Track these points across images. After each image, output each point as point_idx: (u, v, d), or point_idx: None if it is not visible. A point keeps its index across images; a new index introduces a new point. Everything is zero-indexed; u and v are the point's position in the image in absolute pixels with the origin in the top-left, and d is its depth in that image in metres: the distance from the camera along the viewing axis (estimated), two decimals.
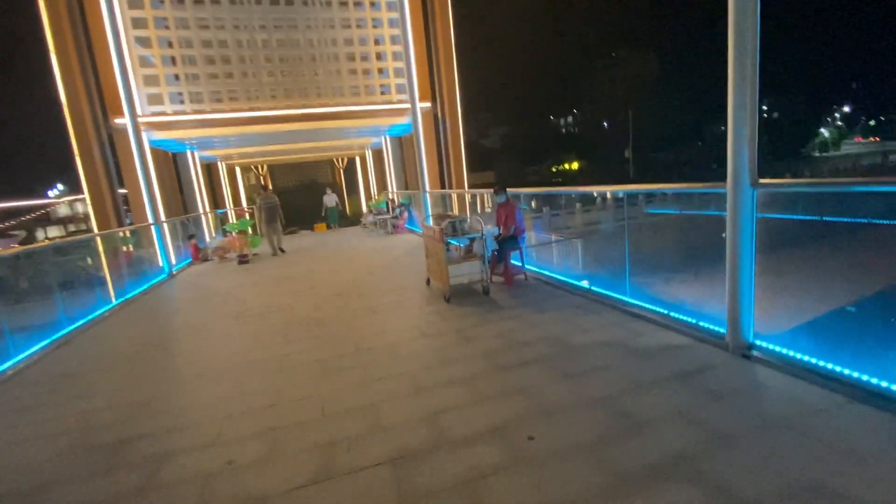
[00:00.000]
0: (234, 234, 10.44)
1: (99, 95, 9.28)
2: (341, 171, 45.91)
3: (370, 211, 15.45)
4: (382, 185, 21.14)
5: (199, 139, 12.31)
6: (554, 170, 71.47)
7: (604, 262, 5.76)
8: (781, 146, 58.86)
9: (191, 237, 11.16)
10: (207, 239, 12.97)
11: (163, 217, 10.51)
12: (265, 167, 41.71)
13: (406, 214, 12.63)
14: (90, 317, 5.97)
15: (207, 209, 15.15)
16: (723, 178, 2.88)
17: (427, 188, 10.87)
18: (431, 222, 5.51)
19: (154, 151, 13.09)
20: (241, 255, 9.86)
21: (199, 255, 10.89)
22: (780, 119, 64.67)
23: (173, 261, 10.53)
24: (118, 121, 9.06)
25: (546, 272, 5.82)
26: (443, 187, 11.89)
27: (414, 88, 10.00)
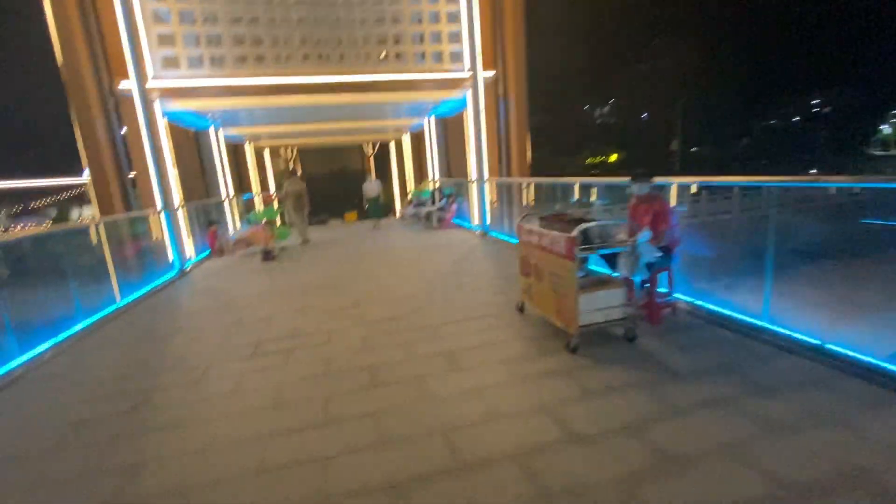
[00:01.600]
0: (259, 224, 8.87)
1: (104, 56, 7.78)
2: (371, 157, 44.57)
3: (409, 201, 13.71)
4: (420, 173, 19.40)
5: (222, 112, 10.77)
6: (589, 162, 68.29)
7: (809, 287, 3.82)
8: (841, 142, 54.14)
9: (210, 224, 9.68)
10: (231, 229, 11.49)
11: (176, 202, 9.04)
12: (294, 151, 40.67)
13: (455, 206, 10.82)
14: (52, 342, 4.42)
15: (231, 194, 13.72)
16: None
17: (486, 176, 9.02)
18: (536, 224, 3.70)
19: (173, 128, 11.64)
20: (265, 250, 8.29)
21: (217, 246, 9.41)
22: (834, 113, 59.39)
23: (190, 254, 9.07)
24: (124, 84, 7.55)
25: (705, 302, 3.92)
26: (501, 175, 10.04)
27: (476, 50, 8.12)
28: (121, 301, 5.77)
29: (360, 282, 6.08)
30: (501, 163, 10.04)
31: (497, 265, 6.35)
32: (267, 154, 23.12)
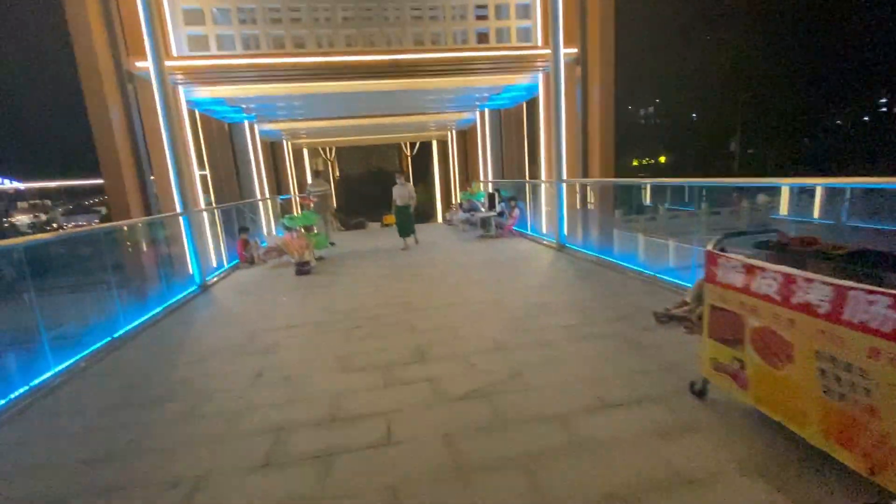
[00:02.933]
0: (294, 230, 7.59)
1: (122, 33, 6.69)
2: (409, 157, 43.53)
3: (459, 205, 12.20)
4: (466, 175, 17.89)
5: (256, 101, 9.62)
6: (636, 164, 64.76)
7: None
8: None
9: (241, 230, 8.50)
10: (264, 233, 10.31)
11: (202, 203, 7.88)
12: (333, 151, 40.13)
13: (517, 211, 9.21)
14: (29, 385, 3.18)
15: (267, 194, 12.66)
16: None
17: (564, 175, 7.37)
18: (760, 258, 2.08)
19: (204, 121, 10.66)
20: (300, 262, 6.97)
21: (247, 255, 8.21)
22: None
23: (219, 262, 7.90)
24: (139, 64, 6.43)
25: None
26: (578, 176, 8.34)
27: (558, 21, 6.51)
28: (119, 330, 4.52)
29: (416, 313, 4.58)
30: (577, 161, 8.35)
31: (606, 297, 4.70)
32: (306, 154, 22.27)
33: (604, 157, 7.98)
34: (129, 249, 6.39)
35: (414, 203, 8.75)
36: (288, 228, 8.09)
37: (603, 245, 7.78)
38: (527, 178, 12.35)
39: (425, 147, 28.49)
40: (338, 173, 42.89)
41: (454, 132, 17.86)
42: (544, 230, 8.81)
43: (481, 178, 13.22)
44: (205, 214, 7.81)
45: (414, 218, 8.83)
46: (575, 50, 7.66)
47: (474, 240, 9.34)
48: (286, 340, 4.05)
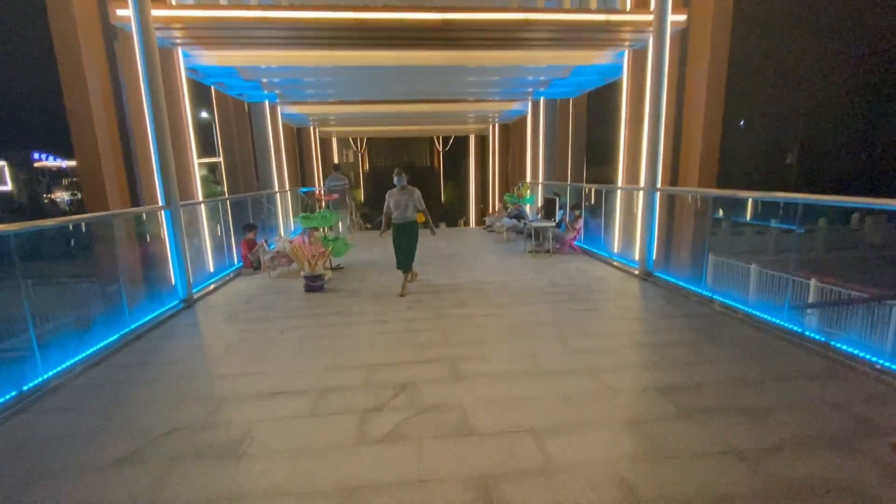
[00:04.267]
0: (308, 233, 6.09)
1: None
2: (440, 153, 41.96)
3: (504, 208, 10.51)
4: (506, 174, 16.17)
5: (277, 75, 8.19)
6: None
7: None
8: None
9: (247, 228, 7.09)
10: (277, 234, 8.91)
11: (199, 194, 6.49)
12: (364, 143, 38.98)
13: (582, 223, 7.47)
14: None
15: (287, 186, 11.29)
16: None
17: (658, 182, 5.61)
18: None
19: (221, 98, 9.32)
20: (311, 275, 5.47)
21: (251, 257, 6.79)
22: None
23: (221, 265, 6.52)
24: (120, 13, 5.04)
25: None
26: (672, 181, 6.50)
27: None
28: (37, 377, 3.09)
29: (469, 388, 2.98)
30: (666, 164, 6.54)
31: (774, 388, 2.99)
32: (335, 142, 20.95)
33: (706, 160, 6.15)
34: (85, 255, 5.02)
35: (422, 218, 5.56)
36: (303, 229, 6.62)
37: (695, 274, 5.99)
38: (583, 182, 10.56)
39: (460, 142, 26.81)
40: (367, 166, 41.80)
41: (496, 125, 16.14)
42: (615, 249, 7.05)
43: (528, 178, 11.48)
44: (202, 209, 6.41)
45: (413, 239, 5.41)
46: (683, 17, 5.85)
47: (524, 254, 7.65)
48: (265, 429, 2.51)
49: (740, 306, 4.25)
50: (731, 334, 3.78)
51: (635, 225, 6.53)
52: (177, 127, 6.05)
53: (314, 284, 5.55)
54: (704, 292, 4.75)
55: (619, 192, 7.05)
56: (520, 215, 9.59)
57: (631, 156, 6.78)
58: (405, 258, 5.37)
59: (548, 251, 7.49)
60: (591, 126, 11.04)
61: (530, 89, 9.69)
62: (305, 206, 10.95)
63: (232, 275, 6.58)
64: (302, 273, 5.59)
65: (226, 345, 3.88)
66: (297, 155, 15.60)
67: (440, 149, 39.42)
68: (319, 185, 15.14)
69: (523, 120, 13.57)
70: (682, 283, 5.19)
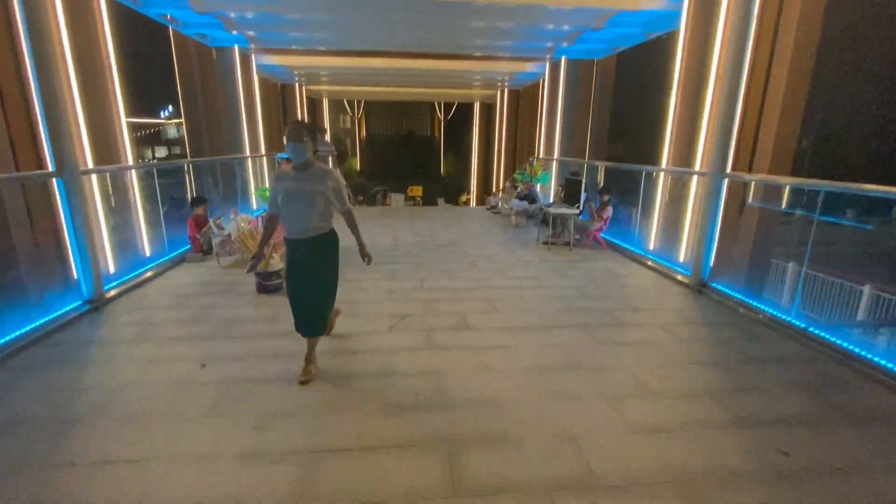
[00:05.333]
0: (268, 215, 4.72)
1: None
2: (442, 122, 39.91)
3: (512, 186, 9.09)
4: (512, 148, 14.61)
5: (249, 8, 6.58)
6: None
7: None
8: None
9: (195, 203, 5.70)
10: (232, 213, 7.49)
11: (129, 157, 5.04)
12: (361, 108, 36.85)
13: (610, 212, 6.10)
14: None
15: (263, 151, 9.80)
16: None
17: (728, 166, 4.24)
18: None
19: (182, 43, 7.72)
20: (264, 271, 4.14)
21: (200, 238, 5.43)
22: None
23: (162, 249, 5.19)
24: None
25: None
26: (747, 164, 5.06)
27: None
28: None
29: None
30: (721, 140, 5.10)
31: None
32: (326, 105, 19.16)
33: (782, 140, 4.74)
34: None
35: (348, 215, 2.77)
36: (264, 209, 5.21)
37: (761, 287, 4.71)
38: (604, 160, 9.11)
39: (463, 111, 24.92)
40: (364, 133, 39.79)
41: (505, 92, 14.47)
42: (652, 245, 5.73)
43: (540, 154, 10.01)
44: (132, 178, 4.99)
45: (336, 270, 2.82)
46: None
47: (537, 246, 6.32)
48: None
49: (867, 354, 2.96)
50: (869, 404, 2.51)
51: (682, 219, 5.19)
52: (93, 67, 4.57)
53: (268, 284, 4.22)
54: (795, 322, 3.46)
55: (661, 175, 5.66)
56: (531, 197, 8.21)
57: (682, 130, 5.35)
58: (310, 310, 2.71)
59: (567, 243, 6.16)
60: (623, 94, 9.51)
61: (550, 44, 8.10)
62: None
63: (175, 261, 5.24)
64: (255, 266, 4.24)
65: (108, 389, 2.58)
66: (282, 117, 13.97)
67: (442, 117, 37.42)
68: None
69: (536, 86, 11.98)
70: (753, 302, 3.89)
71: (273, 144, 12.59)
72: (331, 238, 2.70)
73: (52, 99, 3.45)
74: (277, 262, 4.27)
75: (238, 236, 4.34)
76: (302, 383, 2.61)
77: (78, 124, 4.29)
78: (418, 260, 5.48)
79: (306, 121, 14.93)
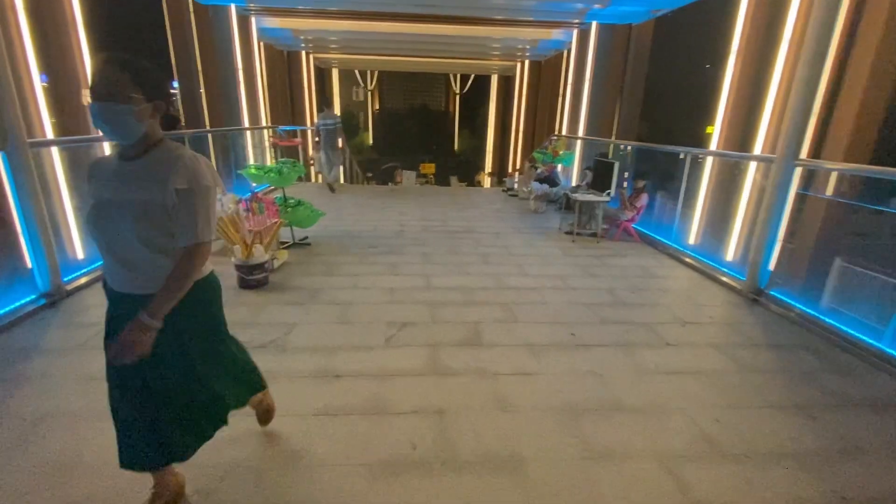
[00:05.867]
0: (253, 198, 4.08)
1: None
2: (457, 95, 38.62)
3: (532, 167, 8.33)
4: (531, 124, 13.71)
5: None
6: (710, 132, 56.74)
7: None
8: None
9: None
10: (224, 190, 6.93)
11: (45, 129, 4.45)
12: (374, 79, 35.70)
13: (645, 198, 5.37)
14: None
15: (265, 122, 9.17)
16: None
17: (804, 150, 3.49)
18: None
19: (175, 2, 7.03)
20: (245, 263, 3.57)
21: None
22: None
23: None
24: None
25: None
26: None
27: None
28: None
29: None
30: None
31: None
32: (336, 76, 18.30)
33: (863, 122, 3.93)
34: None
35: (187, 258, 1.33)
36: (251, 195, 4.65)
37: (831, 298, 4.00)
38: (634, 139, 8.28)
39: (480, 84, 23.77)
40: (377, 106, 38.72)
41: (525, 63, 13.49)
42: (692, 240, 5.02)
43: (563, 132, 9.20)
44: (106, 149, 4.41)
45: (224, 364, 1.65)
46: None
47: (559, 235, 5.66)
48: None
49: None
50: None
51: (732, 211, 4.47)
52: (53, 21, 3.95)
53: (250, 278, 3.66)
54: (888, 350, 2.79)
55: (709, 160, 4.90)
56: (552, 179, 7.48)
57: (739, 108, 4.56)
58: (166, 429, 1.44)
59: (594, 234, 5.47)
60: (659, 65, 8.58)
61: (581, 7, 7.20)
62: (290, 152, 8.81)
63: None
64: (233, 259, 3.68)
65: (38, 417, 2.05)
66: (289, 90, 13.23)
67: (457, 91, 36.14)
68: (310, 126, 12.89)
69: (560, 57, 11.03)
70: (827, 319, 3.21)
71: (277, 117, 11.93)
72: (195, 291, 1.39)
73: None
74: (260, 254, 3.69)
75: (219, 226, 3.76)
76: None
77: (33, 89, 3.69)
78: (426, 250, 4.87)
79: (337, 97, 14.05)
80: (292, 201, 4.70)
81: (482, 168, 21.76)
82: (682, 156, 5.11)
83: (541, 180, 7.26)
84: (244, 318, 3.16)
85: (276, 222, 4.16)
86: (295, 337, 2.90)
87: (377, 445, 1.97)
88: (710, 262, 4.51)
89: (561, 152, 7.61)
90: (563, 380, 2.50)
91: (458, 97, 37.80)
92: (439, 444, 1.99)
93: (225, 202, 4.15)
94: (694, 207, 4.96)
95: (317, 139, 8.14)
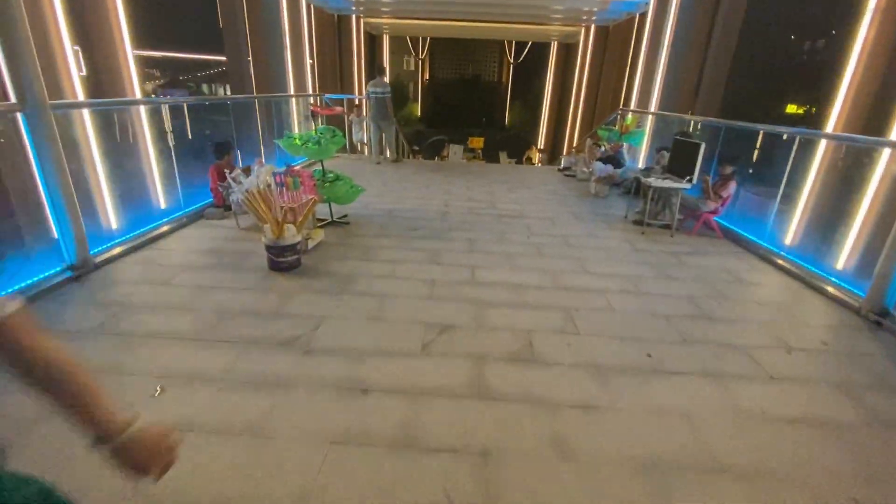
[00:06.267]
0: (289, 172, 3.75)
1: None
2: (511, 65, 36.93)
3: (595, 145, 7.54)
4: (593, 97, 12.62)
5: None
6: (791, 111, 51.40)
7: None
8: None
9: (219, 150, 4.87)
10: (256, 162, 6.66)
11: (78, 91, 4.24)
12: (426, 47, 34.74)
13: (732, 187, 4.57)
14: None
15: (313, 90, 8.86)
16: None
17: None
18: None
19: None
20: (275, 244, 3.25)
21: (222, 190, 4.65)
22: None
23: (183, 201, 4.52)
24: None
25: None
26: None
27: None
28: None
29: None
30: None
31: None
32: (386, 42, 17.70)
33: None
34: None
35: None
36: (288, 167, 4.32)
37: None
38: (717, 116, 7.27)
39: (537, 53, 22.36)
40: (427, 76, 37.81)
41: (591, 29, 12.32)
42: (789, 240, 4.22)
43: (632, 106, 8.26)
44: (141, 115, 4.20)
45: None
46: None
47: (626, 225, 5.00)
48: None
49: None
50: None
51: (853, 209, 3.64)
52: None
53: (281, 261, 3.35)
54: None
55: (822, 142, 4.03)
56: (616, 160, 6.69)
57: (870, 83, 3.66)
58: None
59: (667, 226, 4.76)
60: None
61: None
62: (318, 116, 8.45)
63: (191, 217, 4.53)
64: (263, 239, 3.37)
65: (31, 420, 1.82)
66: (339, 56, 12.85)
67: (511, 60, 34.53)
68: (359, 94, 12.49)
69: (631, 22, 9.90)
70: None
71: (325, 84, 11.62)
72: None
73: (7, 11, 2.60)
74: (292, 234, 3.36)
75: (244, 199, 3.44)
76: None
77: (63, 49, 3.47)
78: (472, 235, 4.40)
79: (386, 64, 13.52)
80: (331, 175, 4.34)
81: (534, 144, 20.71)
82: (785, 137, 4.25)
83: (605, 160, 6.50)
84: (271, 307, 2.84)
85: (311, 199, 3.81)
86: (322, 334, 2.55)
87: (403, 491, 1.57)
88: (814, 269, 3.74)
89: (633, 129, 6.76)
90: (641, 420, 2.00)
91: (512, 67, 36.19)
92: (480, 497, 1.56)
93: (262, 174, 3.84)
94: (796, 201, 4.14)
95: (356, 105, 7.84)
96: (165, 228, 4.14)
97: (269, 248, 3.34)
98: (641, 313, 2.98)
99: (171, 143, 4.52)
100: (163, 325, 2.59)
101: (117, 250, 3.57)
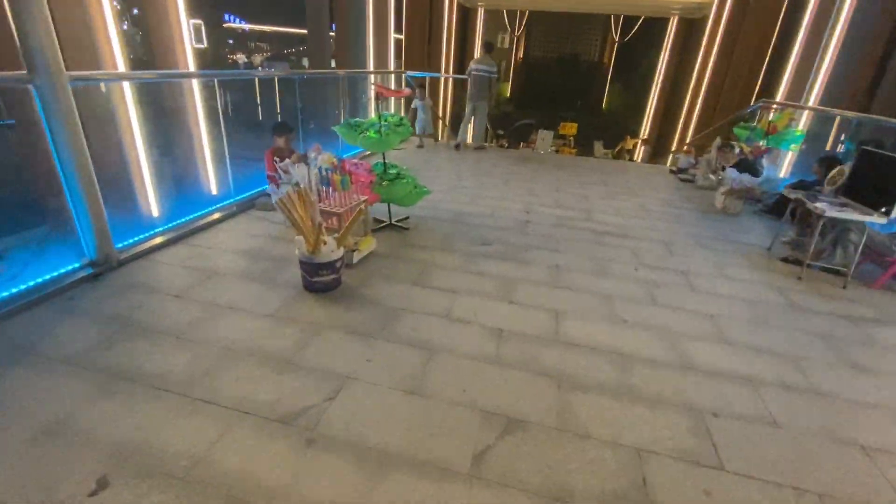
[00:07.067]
0: (338, 167, 3.09)
1: None
2: (615, 44, 33.76)
3: (727, 146, 6.01)
4: (719, 84, 10.59)
5: None
6: None
7: None
8: None
9: (278, 131, 4.34)
10: (313, 150, 6.08)
11: (121, 63, 3.82)
12: (523, 23, 32.81)
13: None
14: None
15: (393, 66, 8.22)
16: None
17: None
18: None
19: None
20: (310, 261, 2.61)
21: (279, 176, 4.14)
22: None
23: (234, 189, 4.15)
24: None
25: None
26: None
27: None
28: None
29: None
30: None
31: None
32: (480, 16, 16.50)
33: None
34: None
35: None
36: (348, 158, 3.66)
37: None
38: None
39: (649, 29, 19.74)
40: (521, 54, 35.88)
41: (714, 7, 10.24)
42: None
43: (781, 98, 6.52)
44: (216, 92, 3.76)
45: None
46: None
47: (770, 262, 3.71)
48: None
49: None
50: None
51: None
52: None
53: (316, 281, 2.69)
54: None
55: None
56: (754, 167, 5.22)
57: None
58: None
59: (840, 273, 3.40)
60: None
61: None
62: (409, 100, 7.75)
63: (243, 204, 4.09)
64: (297, 252, 2.73)
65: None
66: (428, 34, 12.06)
67: (616, 38, 31.45)
68: (446, 73, 11.63)
69: None
70: None
71: (412, 61, 10.95)
72: None
73: None
74: (330, 248, 2.68)
75: (278, 202, 2.79)
76: None
77: (103, 16, 3.05)
78: (559, 259, 3.45)
79: (455, 35, 12.61)
80: (392, 172, 3.60)
81: (632, 134, 18.47)
82: None
83: (740, 167, 5.07)
84: (286, 349, 2.19)
85: (363, 201, 3.11)
86: (338, 410, 1.84)
87: None
88: None
89: (781, 128, 5.19)
90: None
91: (616, 45, 33.08)
92: None
93: (319, 161, 3.20)
94: None
95: (419, 86, 7.21)
96: (221, 213, 3.76)
97: (302, 263, 2.70)
98: (819, 437, 1.89)
99: (222, 125, 4.07)
100: (148, 366, 2.04)
101: (158, 240, 3.20)
